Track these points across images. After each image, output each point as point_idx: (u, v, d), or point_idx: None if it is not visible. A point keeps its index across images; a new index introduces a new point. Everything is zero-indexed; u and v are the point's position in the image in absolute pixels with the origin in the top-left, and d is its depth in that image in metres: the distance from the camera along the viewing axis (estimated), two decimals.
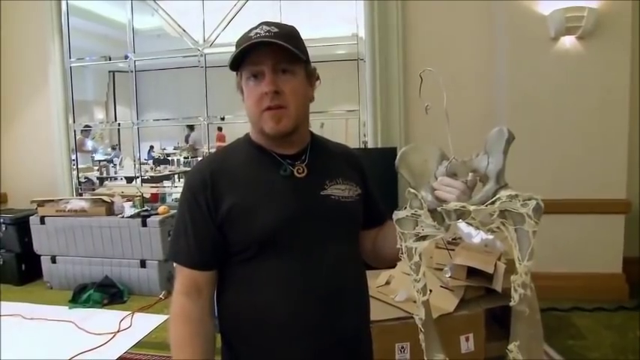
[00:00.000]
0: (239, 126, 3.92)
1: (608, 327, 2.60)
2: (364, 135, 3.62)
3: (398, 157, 1.00)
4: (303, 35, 1.06)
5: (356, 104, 3.67)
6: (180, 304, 1.02)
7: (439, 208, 0.88)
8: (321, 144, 1.17)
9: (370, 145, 3.52)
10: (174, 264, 1.06)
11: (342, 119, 3.99)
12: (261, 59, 0.98)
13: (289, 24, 1.06)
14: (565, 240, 3.03)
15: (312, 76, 1.08)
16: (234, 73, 1.07)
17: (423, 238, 0.90)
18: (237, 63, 1.00)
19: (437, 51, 3.42)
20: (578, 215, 3.03)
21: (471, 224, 0.87)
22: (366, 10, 3.45)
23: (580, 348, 2.39)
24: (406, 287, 1.78)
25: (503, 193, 0.84)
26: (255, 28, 1.00)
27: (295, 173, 1.05)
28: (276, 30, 0.99)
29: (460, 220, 0.88)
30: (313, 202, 1.04)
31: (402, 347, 1.58)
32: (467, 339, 1.67)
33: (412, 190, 0.91)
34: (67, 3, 4.08)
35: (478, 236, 1.88)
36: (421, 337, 0.92)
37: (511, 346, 0.89)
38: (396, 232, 1.07)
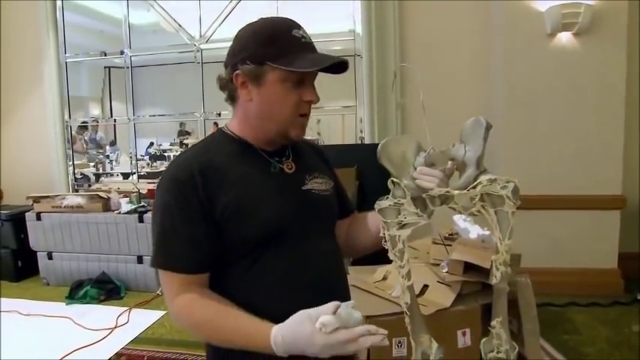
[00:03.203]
0: None
1: (603, 322, 2.62)
2: (361, 131, 3.63)
3: (379, 149, 1.05)
4: None
5: (352, 100, 3.67)
6: (186, 300, 0.94)
7: (424, 195, 0.92)
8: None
9: (367, 141, 3.52)
10: (161, 271, 0.97)
11: (338, 115, 3.99)
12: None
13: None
14: (561, 235, 3.05)
15: None
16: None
17: (406, 225, 0.93)
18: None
19: (433, 47, 3.42)
20: (574, 211, 3.05)
21: (454, 209, 0.91)
22: (363, 6, 3.44)
23: (575, 343, 2.41)
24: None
25: (484, 178, 0.89)
26: (293, 27, 0.98)
27: (285, 169, 1.04)
28: (308, 34, 1.00)
29: (443, 206, 0.92)
30: (302, 197, 1.04)
31: (400, 342, 1.59)
32: (464, 334, 1.67)
33: (395, 180, 0.94)
34: None
35: (475, 232, 1.88)
36: (407, 320, 0.94)
37: (494, 323, 0.93)
38: (369, 220, 1.13)
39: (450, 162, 0.98)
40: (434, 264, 1.89)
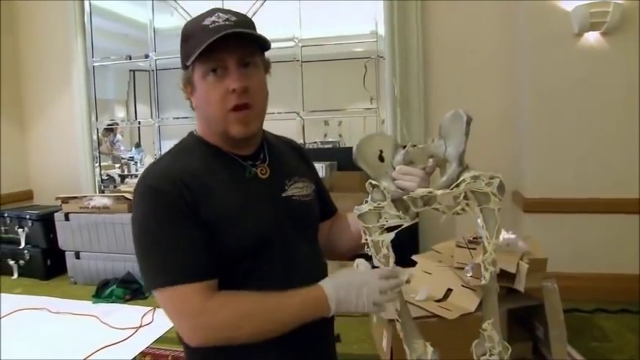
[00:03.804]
0: None
1: (633, 329, 2.54)
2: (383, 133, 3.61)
3: (354, 150, 0.98)
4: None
5: (374, 102, 3.66)
6: (220, 299, 0.85)
7: (405, 197, 0.88)
8: (272, 140, 1.09)
9: None
10: (174, 288, 0.84)
11: (360, 117, 3.98)
12: (223, 52, 0.88)
13: (241, 12, 0.96)
14: (588, 240, 2.97)
15: (268, 67, 1.00)
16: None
17: (389, 229, 0.89)
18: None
19: (456, 48, 3.39)
20: (601, 215, 2.97)
21: (437, 209, 0.87)
22: (386, 7, 3.42)
23: (604, 350, 2.35)
24: (427, 286, 1.77)
25: (467, 175, 0.86)
26: (209, 15, 0.91)
27: (259, 174, 0.98)
28: (234, 18, 0.90)
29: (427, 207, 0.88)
30: (280, 204, 0.98)
31: None
32: None
33: (373, 182, 0.89)
34: (89, 3, 4.16)
35: (500, 235, 1.85)
36: (398, 326, 0.91)
37: (485, 325, 0.90)
38: (350, 222, 1.08)
39: (430, 159, 0.93)
40: (458, 268, 1.86)
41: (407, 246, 2.56)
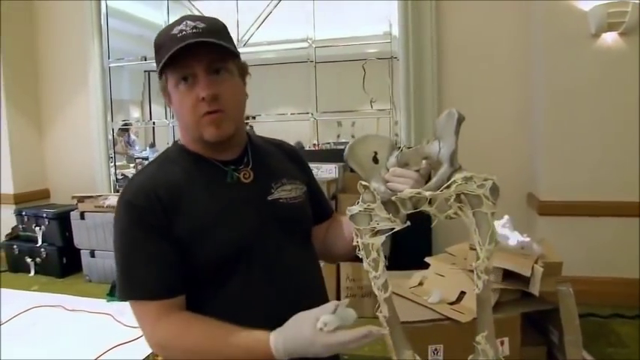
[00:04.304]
0: (269, 124, 3.96)
1: None
2: (396, 134, 3.59)
3: (346, 151, 0.97)
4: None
5: (387, 103, 3.64)
6: (170, 326, 0.87)
7: (393, 198, 0.84)
8: (259, 143, 1.09)
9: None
10: (134, 302, 0.90)
11: (373, 118, 3.97)
12: (191, 61, 0.89)
13: (212, 16, 0.97)
14: (605, 243, 2.93)
15: (244, 72, 1.00)
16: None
17: (380, 232, 0.85)
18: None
19: (471, 48, 3.36)
20: (618, 218, 2.92)
21: (427, 212, 0.83)
22: (400, 8, 3.41)
23: (620, 356, 2.31)
24: (440, 288, 1.76)
25: (458, 176, 0.81)
26: (177, 24, 0.91)
27: (242, 179, 0.98)
28: (202, 25, 0.90)
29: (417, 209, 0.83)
30: (265, 208, 0.97)
31: (436, 349, 1.56)
32: (502, 343, 1.63)
33: (363, 183, 0.86)
34: (106, 5, 4.21)
35: (514, 238, 1.83)
36: (386, 334, 0.86)
37: (479, 338, 0.85)
38: (344, 227, 1.06)
39: (424, 161, 0.90)
40: (471, 270, 1.84)
41: (420, 248, 2.55)
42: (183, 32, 0.89)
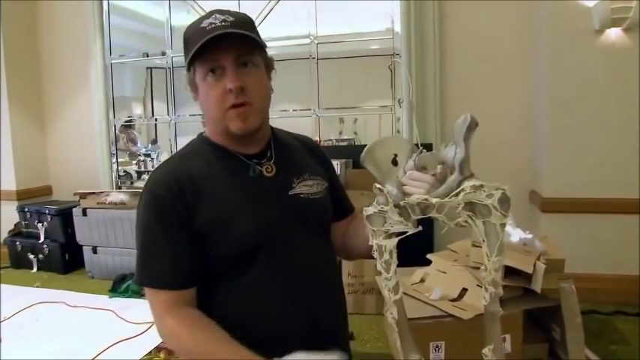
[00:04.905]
0: (271, 121, 3.93)
1: None
2: (398, 131, 3.58)
3: (364, 152, 0.97)
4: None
5: (389, 100, 3.64)
6: (175, 321, 0.90)
7: (402, 202, 0.83)
8: (283, 138, 1.10)
9: None
10: (147, 289, 0.94)
11: (375, 115, 3.97)
12: (220, 53, 0.90)
13: (241, 12, 0.98)
14: (607, 240, 2.92)
15: (270, 66, 1.01)
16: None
17: (394, 234, 0.85)
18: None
19: (474, 45, 3.34)
20: (621, 215, 2.91)
21: (436, 218, 0.81)
22: (402, 4, 3.40)
23: (623, 354, 2.30)
24: (441, 285, 1.76)
25: (467, 184, 0.79)
26: (207, 17, 0.93)
27: (264, 173, 0.99)
28: (231, 19, 0.92)
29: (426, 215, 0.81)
30: (285, 202, 0.98)
31: (437, 346, 1.56)
32: (504, 339, 1.63)
33: (377, 186, 0.86)
34: (108, 2, 4.20)
35: (516, 235, 1.83)
36: (395, 337, 0.86)
37: (485, 350, 0.83)
38: (361, 227, 1.03)
39: (439, 166, 0.88)
40: (473, 267, 1.84)
41: (422, 244, 2.55)
42: (213, 25, 0.90)
